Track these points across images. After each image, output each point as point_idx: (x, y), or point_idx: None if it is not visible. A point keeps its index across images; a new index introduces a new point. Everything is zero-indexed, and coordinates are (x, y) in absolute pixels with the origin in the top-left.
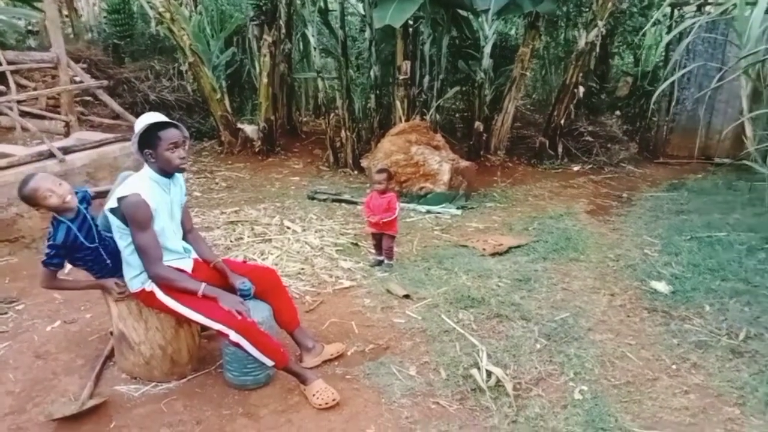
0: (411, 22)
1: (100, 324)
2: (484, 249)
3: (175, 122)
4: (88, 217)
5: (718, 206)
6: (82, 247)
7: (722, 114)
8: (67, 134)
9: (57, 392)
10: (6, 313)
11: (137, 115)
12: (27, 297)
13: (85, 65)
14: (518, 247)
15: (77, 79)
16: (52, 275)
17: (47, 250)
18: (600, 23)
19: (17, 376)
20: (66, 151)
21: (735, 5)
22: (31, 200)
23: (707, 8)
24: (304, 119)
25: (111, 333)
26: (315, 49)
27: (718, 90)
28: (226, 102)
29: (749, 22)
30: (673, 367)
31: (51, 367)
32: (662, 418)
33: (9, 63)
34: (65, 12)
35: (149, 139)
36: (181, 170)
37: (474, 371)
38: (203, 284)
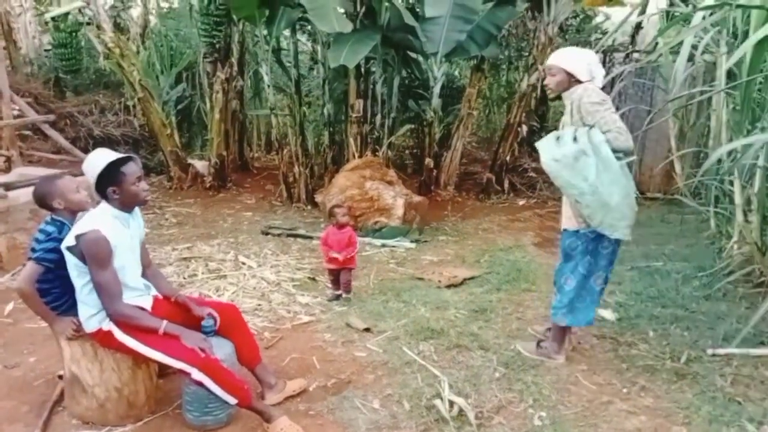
0: (363, 63)
1: (46, 367)
2: (439, 281)
3: (131, 155)
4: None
5: (654, 238)
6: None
7: (652, 152)
8: (8, 169)
9: None
10: None
11: (82, 150)
12: None
13: (27, 99)
14: (472, 278)
15: (16, 112)
16: (37, 274)
17: (46, 245)
18: (540, 67)
19: None
20: (8, 187)
21: (661, 54)
22: (53, 196)
23: (635, 55)
24: (256, 155)
25: (59, 376)
26: (269, 86)
27: (648, 130)
28: (176, 137)
29: (674, 69)
30: (624, 390)
31: None
32: None
33: None
34: (2, 44)
35: (111, 176)
36: (146, 202)
37: (437, 402)
38: (164, 322)
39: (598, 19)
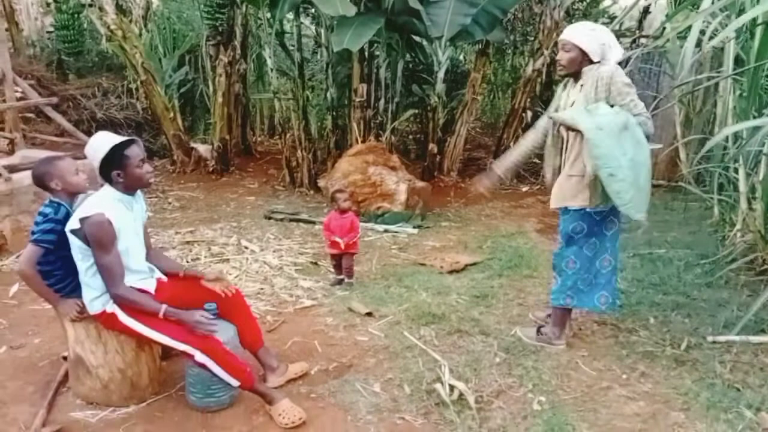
0: (367, 47)
1: (50, 349)
2: (441, 267)
3: (134, 138)
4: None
5: (657, 225)
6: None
7: (657, 139)
8: (11, 152)
9: (6, 422)
10: None
11: (85, 133)
12: None
13: (30, 81)
14: (474, 264)
15: (18, 95)
16: (37, 256)
17: (43, 226)
18: (546, 52)
19: None
20: (11, 169)
21: (668, 39)
22: (52, 177)
23: (642, 40)
24: (259, 139)
25: (64, 358)
26: (272, 70)
27: (654, 116)
28: (179, 121)
29: (681, 54)
30: (624, 376)
31: None
32: (616, 425)
33: None
34: (4, 26)
35: (115, 160)
36: (149, 185)
37: (437, 386)
38: (164, 306)
39: (606, 3)
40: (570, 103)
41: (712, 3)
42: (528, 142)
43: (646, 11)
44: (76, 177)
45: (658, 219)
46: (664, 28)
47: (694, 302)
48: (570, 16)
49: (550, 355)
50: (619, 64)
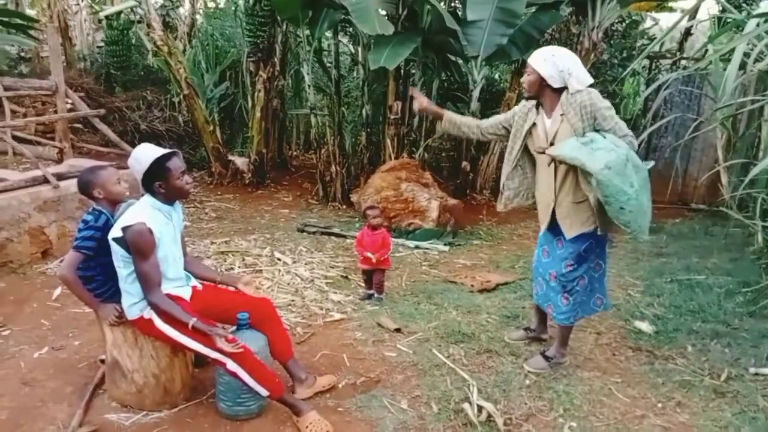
0: (403, 65)
1: (89, 351)
2: (472, 285)
3: (175, 150)
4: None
5: (696, 251)
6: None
7: (698, 162)
8: (60, 161)
9: (45, 420)
10: None
11: (129, 144)
12: (14, 323)
13: (80, 94)
14: (505, 284)
15: (69, 106)
16: (77, 261)
17: (84, 233)
18: None
19: (3, 403)
20: (60, 177)
21: (711, 62)
22: (95, 185)
23: (682, 62)
24: (294, 153)
25: (101, 360)
26: (309, 86)
27: (694, 139)
28: (218, 134)
29: (724, 77)
30: (659, 405)
31: (38, 395)
32: None
33: (6, 89)
34: (59, 41)
35: (158, 171)
36: (188, 195)
37: (465, 406)
38: (194, 319)
39: (646, 24)
40: (553, 132)
41: (757, 25)
42: (467, 122)
43: (687, 33)
44: (117, 186)
45: (697, 244)
46: (706, 50)
47: (734, 331)
48: (608, 37)
49: (582, 380)
50: (659, 86)
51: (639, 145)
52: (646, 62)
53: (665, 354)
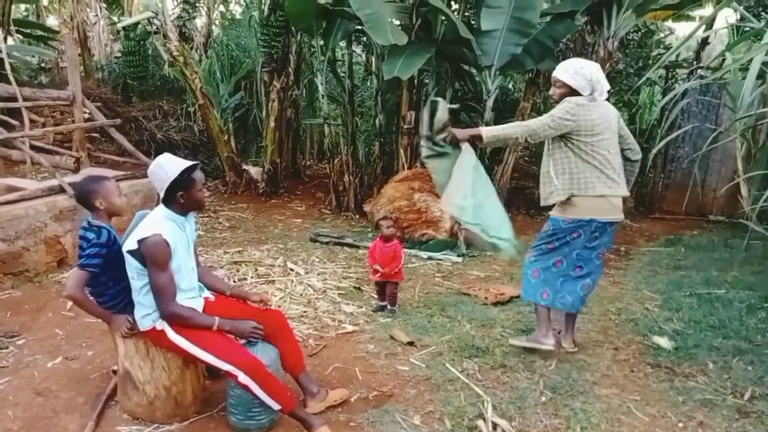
0: (416, 75)
1: (102, 362)
2: (486, 297)
3: (197, 162)
4: (119, 239)
5: (716, 263)
6: (120, 259)
7: (716, 173)
8: (77, 170)
9: (57, 431)
10: (6, 348)
11: (144, 153)
12: (28, 332)
13: (97, 103)
14: (519, 296)
15: (86, 116)
16: (84, 280)
17: (89, 251)
18: None
19: (16, 413)
20: None
21: (729, 72)
22: (98, 195)
23: (699, 71)
24: (308, 163)
25: (114, 371)
26: (323, 96)
27: (713, 150)
28: (233, 144)
29: (743, 87)
30: (680, 425)
31: (51, 405)
32: None
33: (25, 99)
34: (78, 51)
35: (184, 181)
36: (204, 208)
37: (480, 422)
38: (217, 318)
39: (662, 33)
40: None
41: None
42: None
43: (704, 42)
44: (119, 199)
45: (716, 257)
46: (724, 60)
47: (758, 348)
48: (624, 47)
49: (599, 397)
50: (676, 96)
51: (655, 155)
52: (662, 72)
53: (685, 371)
